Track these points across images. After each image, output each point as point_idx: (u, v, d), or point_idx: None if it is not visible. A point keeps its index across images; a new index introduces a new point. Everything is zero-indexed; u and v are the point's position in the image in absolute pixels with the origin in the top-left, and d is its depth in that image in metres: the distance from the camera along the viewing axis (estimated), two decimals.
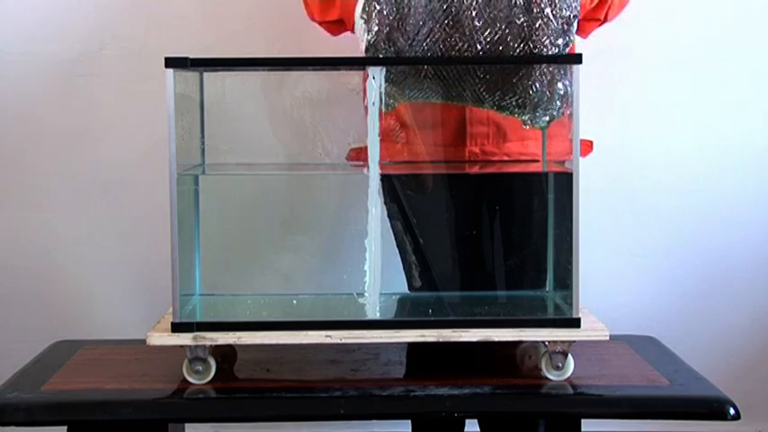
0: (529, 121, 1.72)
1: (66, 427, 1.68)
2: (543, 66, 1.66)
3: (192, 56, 1.65)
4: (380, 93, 1.69)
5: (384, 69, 1.69)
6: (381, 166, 1.72)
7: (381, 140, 1.70)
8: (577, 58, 1.66)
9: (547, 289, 1.93)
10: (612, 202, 2.62)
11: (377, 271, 1.73)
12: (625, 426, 1.97)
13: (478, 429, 2.10)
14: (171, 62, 1.63)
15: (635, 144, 2.62)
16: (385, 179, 1.95)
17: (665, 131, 2.63)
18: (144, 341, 1.67)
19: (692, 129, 2.63)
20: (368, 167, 1.71)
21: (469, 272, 2.02)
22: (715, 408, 1.63)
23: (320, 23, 1.90)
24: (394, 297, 1.95)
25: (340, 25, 1.85)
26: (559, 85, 1.67)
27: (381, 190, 1.89)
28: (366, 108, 1.76)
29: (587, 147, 1.95)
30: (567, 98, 1.68)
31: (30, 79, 2.56)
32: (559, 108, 1.69)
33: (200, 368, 1.68)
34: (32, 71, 2.55)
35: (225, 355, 1.79)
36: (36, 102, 2.57)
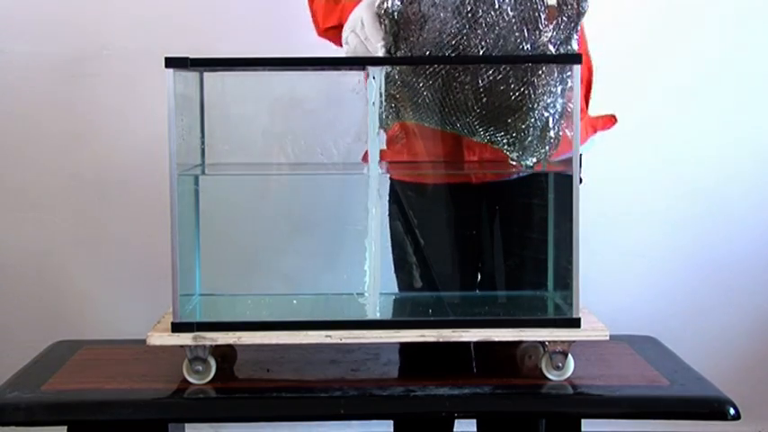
0: (516, 159, 1.76)
1: (66, 427, 1.68)
2: (538, 111, 1.69)
3: (191, 56, 1.65)
4: (381, 93, 1.69)
5: (384, 70, 1.69)
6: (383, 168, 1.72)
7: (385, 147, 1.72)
8: (577, 58, 1.66)
9: (547, 289, 1.93)
10: (612, 203, 2.62)
11: (377, 271, 1.73)
12: (625, 426, 1.96)
13: (475, 429, 2.09)
14: (171, 62, 1.63)
15: (635, 144, 2.62)
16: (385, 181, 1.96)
17: (666, 132, 2.63)
18: (144, 341, 1.67)
19: (692, 129, 2.63)
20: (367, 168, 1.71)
21: (469, 272, 2.02)
22: (715, 408, 1.63)
23: (325, 32, 1.92)
24: (394, 297, 1.95)
25: (339, 32, 1.86)
26: (551, 133, 1.71)
27: (389, 189, 1.91)
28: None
29: (608, 121, 1.95)
30: (555, 143, 1.71)
31: (30, 79, 2.56)
32: (547, 152, 1.73)
33: (200, 368, 1.68)
34: (32, 71, 2.55)
35: (225, 355, 1.79)
36: (36, 102, 2.57)
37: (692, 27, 2.59)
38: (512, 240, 1.97)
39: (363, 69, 1.73)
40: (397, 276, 2.02)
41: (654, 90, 2.61)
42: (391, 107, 1.74)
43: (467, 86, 1.69)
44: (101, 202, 2.60)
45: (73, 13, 2.54)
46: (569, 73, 1.68)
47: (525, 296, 1.95)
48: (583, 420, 1.73)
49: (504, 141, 1.74)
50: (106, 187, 2.59)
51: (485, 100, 1.69)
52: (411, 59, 1.69)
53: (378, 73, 1.69)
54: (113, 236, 2.61)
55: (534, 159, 1.75)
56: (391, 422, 2.11)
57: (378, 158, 1.71)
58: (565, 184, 1.72)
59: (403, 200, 1.99)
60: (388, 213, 1.99)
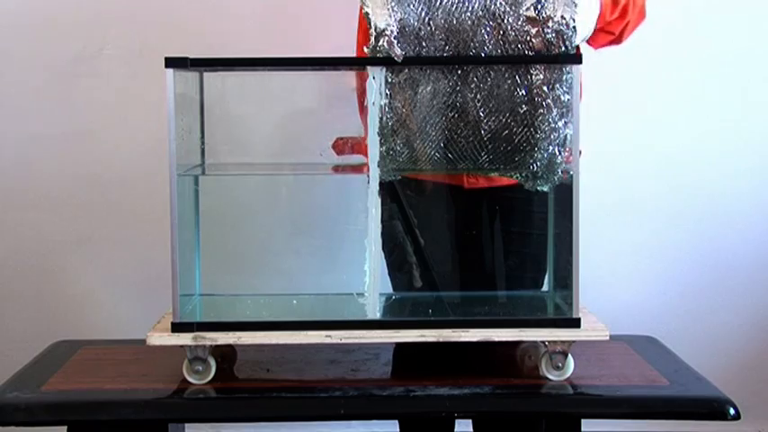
0: (529, 187, 1.78)
1: (66, 427, 1.68)
2: (543, 148, 1.70)
3: (191, 56, 1.65)
4: (381, 93, 1.69)
5: (384, 70, 1.69)
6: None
7: None
8: (577, 59, 1.66)
9: (547, 289, 1.93)
10: (613, 203, 2.62)
11: (377, 271, 1.73)
12: (625, 426, 1.97)
13: (471, 429, 2.09)
14: (171, 62, 1.63)
15: (635, 144, 2.62)
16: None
17: (666, 132, 2.63)
18: (144, 341, 1.67)
19: (693, 129, 2.63)
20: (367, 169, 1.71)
21: (469, 272, 2.02)
22: (715, 408, 1.63)
23: None
24: (394, 297, 1.95)
25: None
26: (559, 159, 1.72)
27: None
28: (362, 107, 1.76)
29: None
30: (564, 170, 1.73)
31: (30, 79, 2.56)
32: (558, 178, 1.74)
33: (200, 368, 1.68)
34: (32, 71, 2.55)
35: (225, 355, 1.79)
36: (36, 102, 2.57)
37: (691, 25, 2.59)
38: (513, 230, 1.98)
39: (363, 69, 1.73)
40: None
41: (654, 89, 2.61)
42: (396, 161, 1.74)
43: (470, 138, 1.71)
44: (101, 202, 2.60)
45: (73, 13, 2.54)
46: (569, 108, 1.69)
47: (525, 296, 1.95)
48: (583, 420, 1.73)
49: (515, 175, 1.76)
50: (106, 187, 2.59)
51: (490, 147, 1.72)
52: (414, 60, 1.69)
53: (378, 73, 1.69)
54: (113, 236, 2.61)
55: (548, 186, 1.77)
56: (391, 422, 2.11)
57: (377, 158, 1.71)
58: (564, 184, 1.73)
59: (402, 198, 1.99)
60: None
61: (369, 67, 1.69)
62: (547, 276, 1.93)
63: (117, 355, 1.90)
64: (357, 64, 1.79)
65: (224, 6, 2.53)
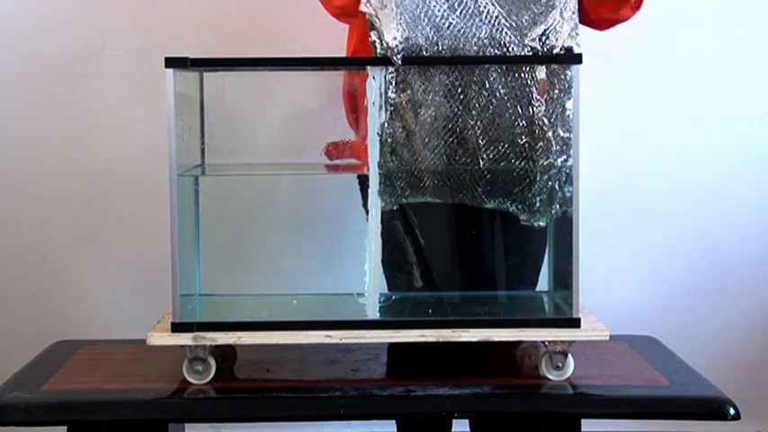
0: (527, 220, 1.78)
1: (66, 427, 1.68)
2: (542, 181, 1.71)
3: (191, 56, 1.65)
4: (380, 93, 1.69)
5: (384, 69, 1.68)
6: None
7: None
8: (577, 58, 1.66)
9: (547, 289, 1.93)
10: (613, 203, 2.62)
11: (377, 271, 1.73)
12: (625, 426, 1.96)
13: (468, 429, 2.09)
14: (171, 62, 1.63)
15: (636, 145, 2.62)
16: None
17: (666, 132, 2.63)
18: (144, 341, 1.67)
19: (693, 129, 2.63)
20: (367, 168, 1.71)
21: (469, 272, 2.02)
22: (715, 408, 1.63)
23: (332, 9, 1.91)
24: (394, 297, 1.95)
25: (346, 11, 1.84)
26: (559, 194, 1.72)
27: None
28: (350, 111, 1.77)
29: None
30: (564, 202, 1.72)
31: (30, 79, 2.56)
32: (558, 211, 1.74)
33: (200, 368, 1.68)
34: (32, 71, 2.55)
35: (225, 355, 1.79)
36: (36, 102, 2.57)
37: (691, 26, 2.59)
38: (504, 241, 1.98)
39: (363, 70, 1.73)
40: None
41: (653, 90, 2.61)
42: (394, 189, 1.74)
43: (468, 166, 1.71)
44: (101, 202, 2.60)
45: (73, 13, 2.54)
46: (568, 146, 1.69)
47: (525, 296, 1.95)
48: (583, 420, 1.73)
49: (513, 208, 1.76)
50: (106, 187, 2.59)
51: (488, 177, 1.72)
52: (414, 60, 1.69)
53: (378, 73, 1.69)
54: (113, 236, 2.61)
55: (545, 221, 1.76)
56: (391, 422, 2.11)
57: (377, 158, 1.70)
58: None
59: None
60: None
61: (369, 68, 1.69)
62: (547, 276, 1.93)
63: (117, 355, 1.90)
64: (357, 64, 1.79)
65: (224, 6, 2.53)
